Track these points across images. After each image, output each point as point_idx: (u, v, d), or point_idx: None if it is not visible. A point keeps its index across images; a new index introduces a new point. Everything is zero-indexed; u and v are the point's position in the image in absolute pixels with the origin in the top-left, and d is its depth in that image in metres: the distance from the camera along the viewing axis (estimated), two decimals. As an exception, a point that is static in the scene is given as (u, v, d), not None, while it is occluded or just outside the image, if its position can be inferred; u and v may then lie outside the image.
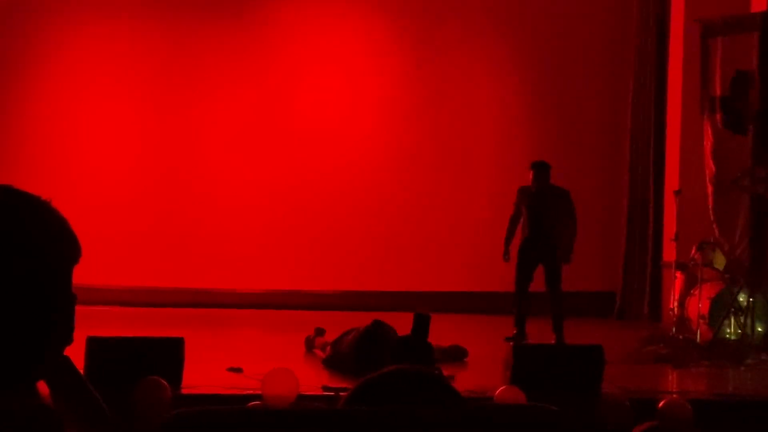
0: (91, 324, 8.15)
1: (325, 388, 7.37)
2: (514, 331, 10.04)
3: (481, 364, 8.89)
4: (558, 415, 1.46)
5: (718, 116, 11.02)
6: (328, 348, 8.80)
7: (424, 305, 8.70)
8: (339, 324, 8.96)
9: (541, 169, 10.23)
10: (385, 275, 12.70)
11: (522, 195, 10.27)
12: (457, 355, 9.00)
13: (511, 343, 8.75)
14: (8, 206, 1.57)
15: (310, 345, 9.39)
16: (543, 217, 10.11)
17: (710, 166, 11.13)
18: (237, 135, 12.87)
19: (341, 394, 6.94)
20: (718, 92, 11.06)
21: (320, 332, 9.39)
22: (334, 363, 8.52)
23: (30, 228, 1.55)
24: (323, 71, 13.01)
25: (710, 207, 11.11)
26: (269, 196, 12.82)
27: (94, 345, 6.92)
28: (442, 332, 8.66)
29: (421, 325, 7.83)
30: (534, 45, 13.15)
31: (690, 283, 10.45)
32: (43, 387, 1.60)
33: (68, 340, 1.59)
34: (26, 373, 1.53)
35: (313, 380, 7.60)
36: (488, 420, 1.43)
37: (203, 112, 12.86)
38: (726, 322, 9.78)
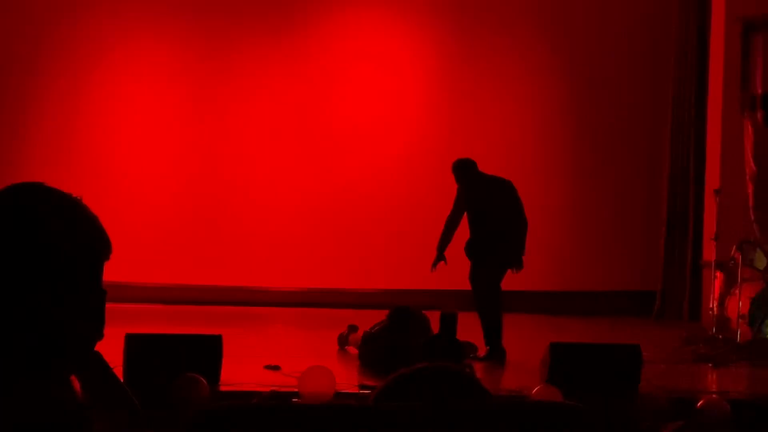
0: (129, 321, 8.25)
1: (362, 386, 7.38)
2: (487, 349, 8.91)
3: (516, 363, 8.86)
4: (587, 413, 1.46)
5: (759, 114, 10.93)
6: (359, 341, 8.83)
7: (458, 304, 8.68)
8: (373, 322, 8.98)
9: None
10: (419, 274, 12.68)
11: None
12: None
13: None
14: (40, 203, 1.60)
15: (343, 342, 9.41)
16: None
17: (751, 165, 11.04)
18: (272, 135, 12.92)
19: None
20: (759, 90, 10.97)
21: (353, 329, 9.41)
22: (368, 354, 8.52)
23: (60, 224, 1.58)
24: (360, 74, 13.04)
25: (750, 206, 11.02)
26: (305, 195, 12.86)
27: (133, 342, 6.97)
28: (472, 331, 8.70)
29: (449, 325, 7.86)
30: (573, 44, 13.09)
31: (730, 283, 10.37)
32: (74, 382, 1.62)
33: (99, 335, 1.61)
34: (54, 366, 1.55)
35: (350, 378, 7.62)
36: (517, 416, 1.43)
37: (241, 112, 12.92)
38: (766, 321, 9.71)
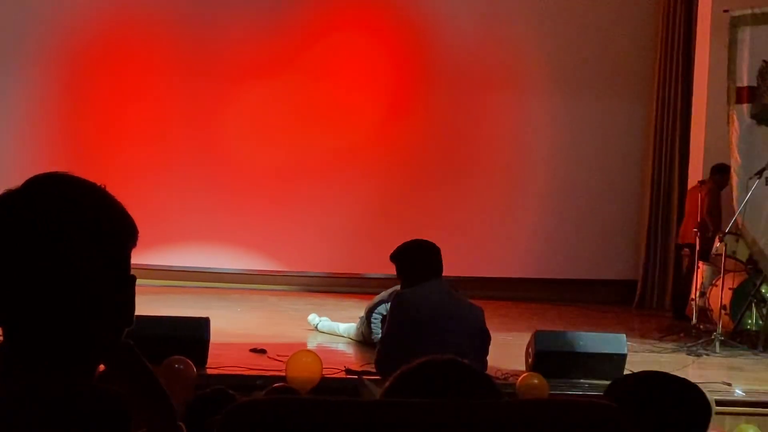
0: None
1: (348, 371, 7.41)
2: None
3: (500, 350, 8.88)
4: (616, 412, 1.45)
5: (745, 107, 10.97)
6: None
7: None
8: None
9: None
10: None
11: None
12: None
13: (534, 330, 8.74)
14: (65, 192, 1.61)
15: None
16: None
17: (735, 157, 11.06)
18: (268, 126, 12.72)
19: (364, 377, 6.98)
20: (746, 83, 11.00)
21: None
22: None
23: (86, 212, 1.59)
24: (360, 64, 12.95)
25: (734, 198, 11.06)
26: (312, 181, 12.68)
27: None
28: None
29: None
30: (558, 33, 13.03)
31: (713, 274, 10.45)
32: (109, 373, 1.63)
33: (128, 322, 1.62)
34: (87, 354, 1.57)
35: (336, 363, 7.64)
36: (541, 416, 1.43)
37: (242, 102, 12.69)
38: (747, 313, 9.79)
